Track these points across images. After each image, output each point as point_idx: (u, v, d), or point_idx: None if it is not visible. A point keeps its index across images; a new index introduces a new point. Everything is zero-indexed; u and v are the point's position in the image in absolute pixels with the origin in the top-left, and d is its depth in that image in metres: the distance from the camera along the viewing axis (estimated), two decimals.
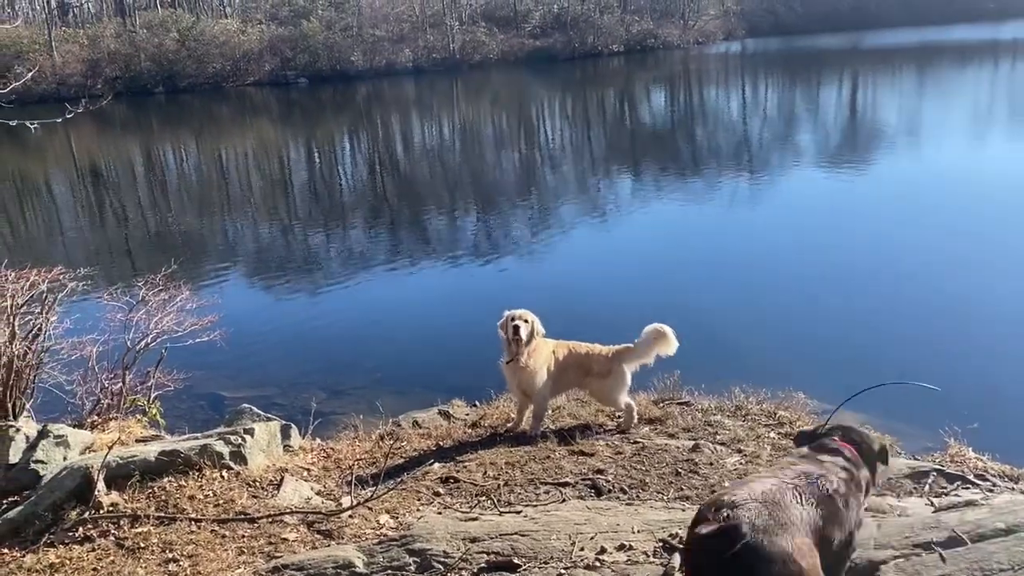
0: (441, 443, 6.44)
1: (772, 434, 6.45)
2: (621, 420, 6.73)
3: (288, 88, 59.14)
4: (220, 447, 5.55)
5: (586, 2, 72.41)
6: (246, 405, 6.91)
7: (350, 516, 4.96)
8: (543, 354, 6.44)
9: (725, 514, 2.75)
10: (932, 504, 4.88)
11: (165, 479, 5.30)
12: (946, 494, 5.17)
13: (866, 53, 61.99)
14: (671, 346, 6.54)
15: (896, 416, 7.81)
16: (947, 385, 8.83)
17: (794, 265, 13.28)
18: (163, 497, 5.12)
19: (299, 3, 67.52)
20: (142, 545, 4.62)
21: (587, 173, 25.05)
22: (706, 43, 77.85)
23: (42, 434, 6.00)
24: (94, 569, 4.43)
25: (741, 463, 5.73)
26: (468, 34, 67.22)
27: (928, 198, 17.55)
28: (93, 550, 4.63)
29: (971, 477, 5.44)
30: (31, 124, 8.64)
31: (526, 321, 6.29)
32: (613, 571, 4.08)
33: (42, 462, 5.78)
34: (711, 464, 5.69)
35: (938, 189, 18.40)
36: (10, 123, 8.41)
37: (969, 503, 4.62)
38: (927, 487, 5.29)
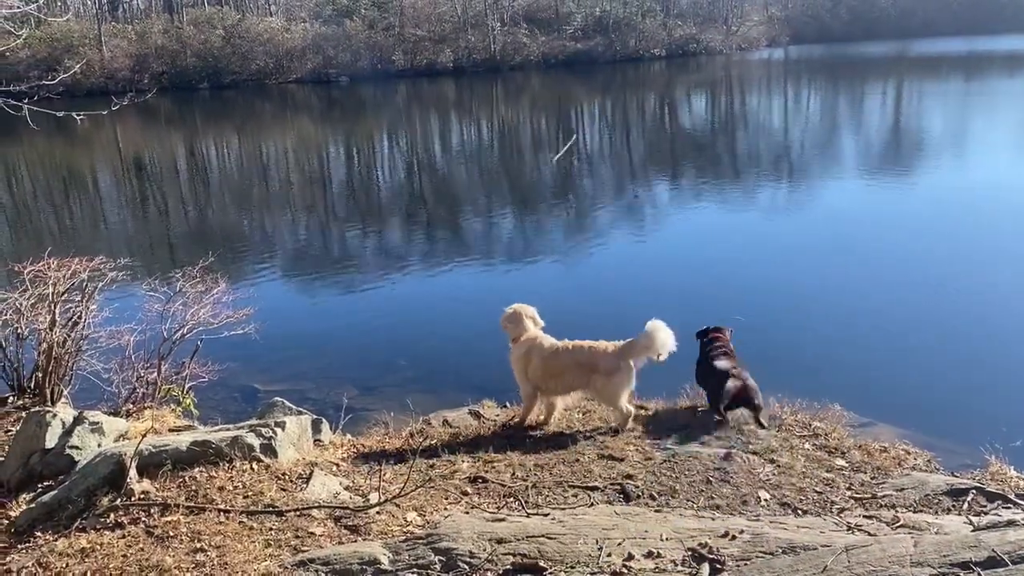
0: (470, 443, 6.42)
1: (807, 445, 6.34)
2: (618, 421, 6.67)
3: (329, 86, 59.73)
4: (251, 439, 5.58)
5: (628, 5, 72.07)
6: (278, 398, 6.96)
7: (377, 513, 4.96)
8: (522, 348, 6.77)
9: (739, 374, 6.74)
10: (971, 523, 4.76)
11: (196, 469, 5.34)
12: (986, 513, 5.05)
13: (913, 61, 61.06)
14: (666, 346, 6.42)
15: (935, 432, 7.65)
16: (988, 401, 8.69)
17: (832, 276, 13.05)
18: (193, 487, 5.16)
19: (342, 2, 68.17)
20: (171, 534, 4.66)
21: (626, 178, 24.92)
22: (749, 49, 77.15)
23: (78, 420, 6.08)
24: (123, 556, 4.46)
25: (774, 473, 5.64)
26: (509, 35, 67.30)
27: (974, 212, 17.19)
28: (123, 537, 4.67)
29: (1012, 496, 5.30)
30: (77, 115, 8.83)
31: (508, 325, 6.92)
32: None
33: (77, 448, 5.86)
34: (743, 473, 5.60)
35: (986, 203, 18.01)
36: (57, 114, 8.62)
37: (1010, 523, 4.49)
38: (966, 505, 5.17)
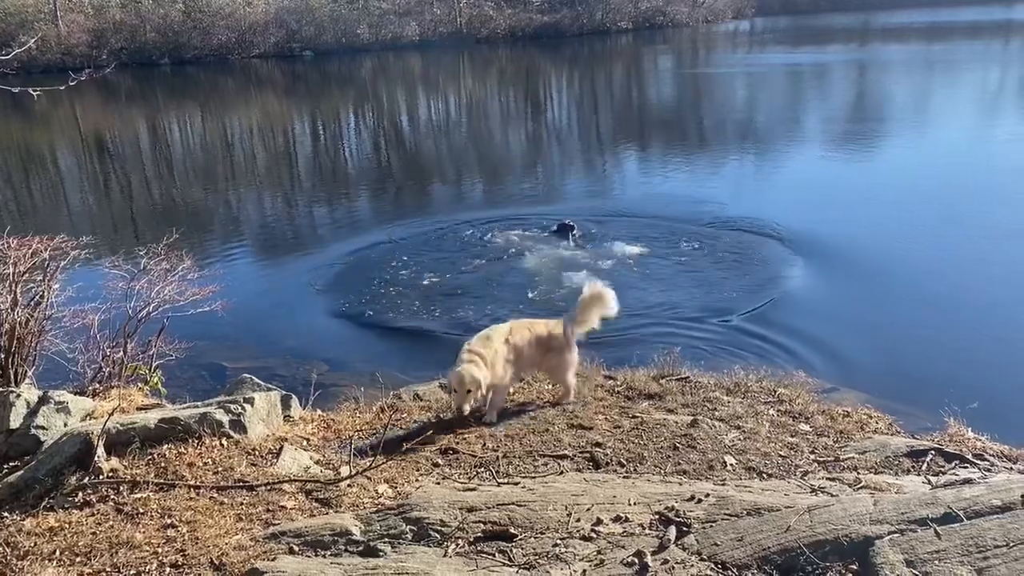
0: (441, 415, 6.45)
1: (771, 411, 6.45)
2: (561, 394, 6.64)
3: (293, 61, 58.86)
4: (220, 416, 5.57)
5: None
6: (246, 375, 6.92)
7: (348, 485, 4.98)
8: (499, 359, 6.18)
9: None
10: (929, 482, 4.89)
11: (165, 446, 5.32)
12: (944, 473, 5.18)
13: (878, 31, 61.59)
14: (610, 306, 6.48)
15: (896, 396, 7.84)
16: (948, 364, 8.89)
17: (792, 244, 13.19)
18: (162, 464, 5.14)
19: None
20: (141, 511, 4.65)
21: (593, 149, 24.98)
22: (715, 21, 77.25)
23: (43, 400, 6.02)
24: (93, 533, 4.45)
25: (740, 439, 5.74)
26: (475, 8, 66.70)
27: (941, 180, 17.51)
28: (92, 515, 4.66)
29: (969, 456, 5.44)
30: (33, 91, 8.64)
31: (468, 391, 5.94)
32: (609, 542, 4.10)
33: (43, 428, 5.81)
34: (709, 439, 5.70)
35: (950, 170, 18.33)
36: (12, 90, 8.41)
37: (966, 481, 4.63)
38: (925, 466, 5.29)
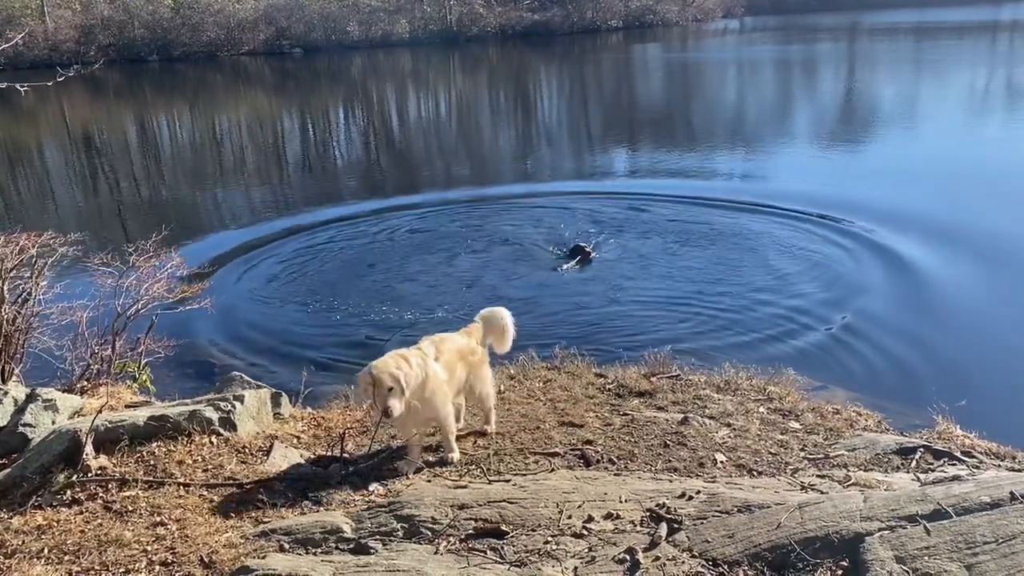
0: None
1: (762, 409, 6.47)
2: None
3: (283, 58, 58.66)
4: (210, 413, 5.54)
5: None
6: (236, 373, 6.90)
7: (339, 483, 4.97)
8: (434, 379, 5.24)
9: None
10: (918, 479, 4.91)
11: (154, 444, 5.29)
12: (933, 470, 5.21)
13: (866, 31, 61.91)
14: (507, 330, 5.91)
15: (885, 394, 7.87)
16: (936, 362, 8.93)
17: (788, 242, 13.24)
18: (152, 462, 5.12)
19: None
20: (130, 508, 4.63)
21: (583, 148, 25.02)
22: (705, 20, 77.43)
23: (30, 398, 5.98)
24: (81, 531, 4.43)
25: (730, 436, 5.75)
26: (466, 6, 66.56)
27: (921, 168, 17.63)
28: (81, 513, 4.63)
29: (958, 454, 5.48)
30: (21, 87, 8.56)
31: (390, 388, 4.96)
32: (600, 539, 4.10)
33: (30, 425, 5.77)
34: (699, 437, 5.71)
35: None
36: None
37: (955, 478, 4.65)
38: (914, 463, 5.32)
